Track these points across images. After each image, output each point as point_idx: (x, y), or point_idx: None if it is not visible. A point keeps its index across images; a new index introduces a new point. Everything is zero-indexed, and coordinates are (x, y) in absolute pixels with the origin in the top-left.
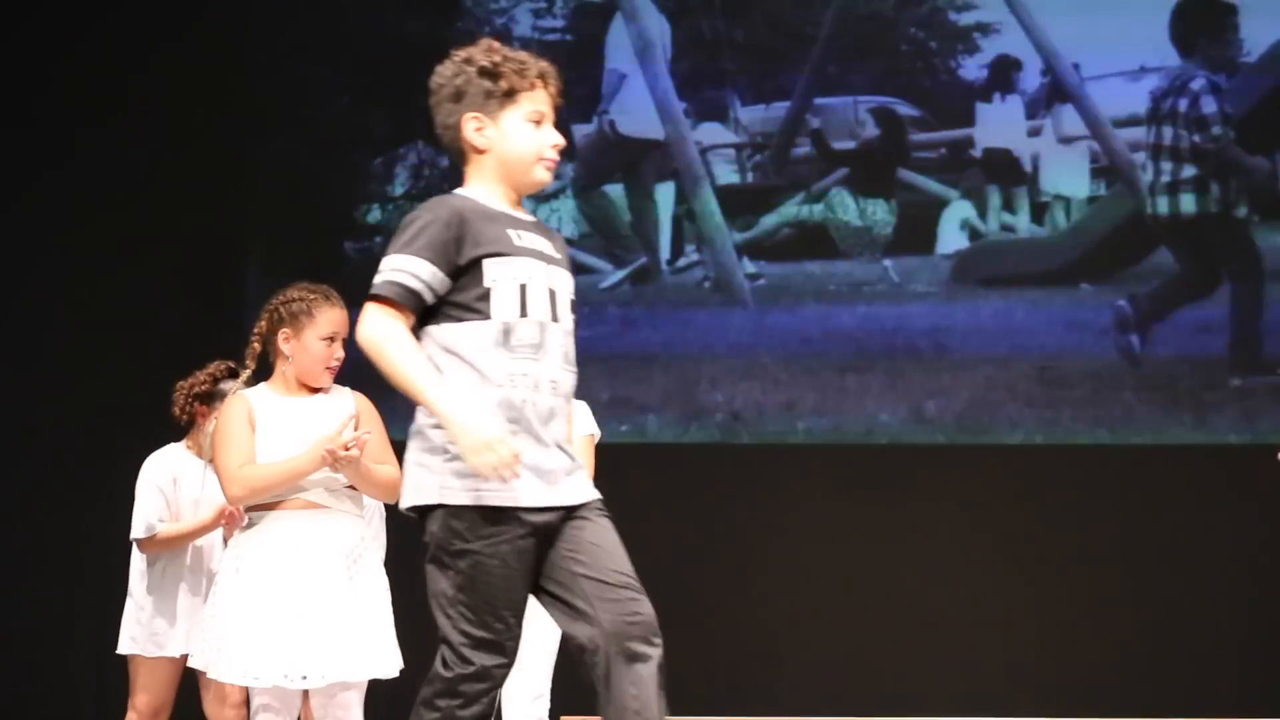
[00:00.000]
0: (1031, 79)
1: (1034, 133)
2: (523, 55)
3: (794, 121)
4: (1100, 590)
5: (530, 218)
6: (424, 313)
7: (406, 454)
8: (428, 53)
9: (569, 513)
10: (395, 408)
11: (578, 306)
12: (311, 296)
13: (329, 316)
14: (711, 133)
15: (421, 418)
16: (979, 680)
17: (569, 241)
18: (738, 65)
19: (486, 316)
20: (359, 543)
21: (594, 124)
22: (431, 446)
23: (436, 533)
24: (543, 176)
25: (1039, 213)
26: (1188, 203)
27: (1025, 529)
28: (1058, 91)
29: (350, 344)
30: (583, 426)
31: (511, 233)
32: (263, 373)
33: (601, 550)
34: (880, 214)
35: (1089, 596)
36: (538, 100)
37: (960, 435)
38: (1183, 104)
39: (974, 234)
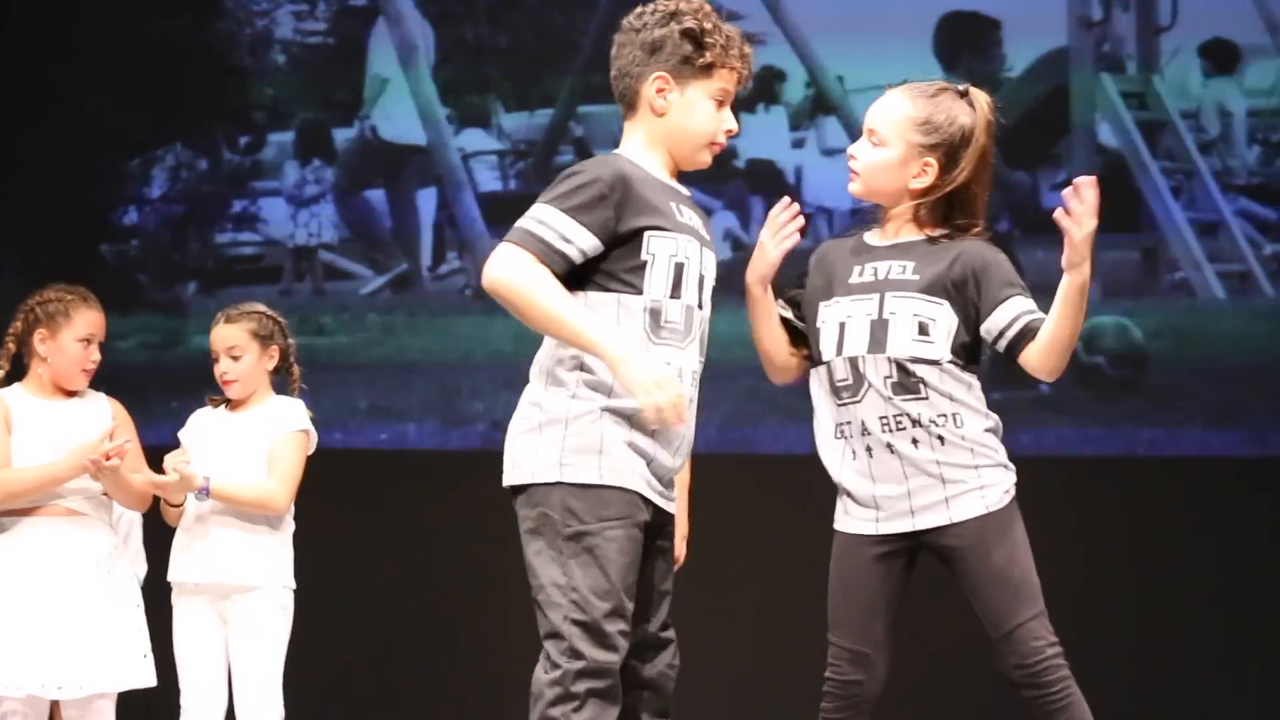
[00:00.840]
0: (796, 91)
1: (798, 144)
2: (730, 29)
3: (557, 129)
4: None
5: (688, 191)
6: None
7: (514, 426)
8: (187, 54)
9: (661, 527)
10: (151, 413)
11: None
12: (69, 298)
13: (86, 318)
14: (474, 139)
15: (540, 390)
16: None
17: (326, 247)
18: (501, 72)
19: (638, 291)
20: (112, 551)
21: (355, 129)
22: (551, 419)
23: (550, 514)
24: (706, 159)
25: (803, 227)
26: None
27: (784, 537)
28: (822, 104)
29: (105, 348)
30: (292, 422)
31: (674, 206)
32: (16, 374)
33: (657, 593)
34: None
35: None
36: (729, 81)
37: (721, 446)
38: None
39: (737, 245)
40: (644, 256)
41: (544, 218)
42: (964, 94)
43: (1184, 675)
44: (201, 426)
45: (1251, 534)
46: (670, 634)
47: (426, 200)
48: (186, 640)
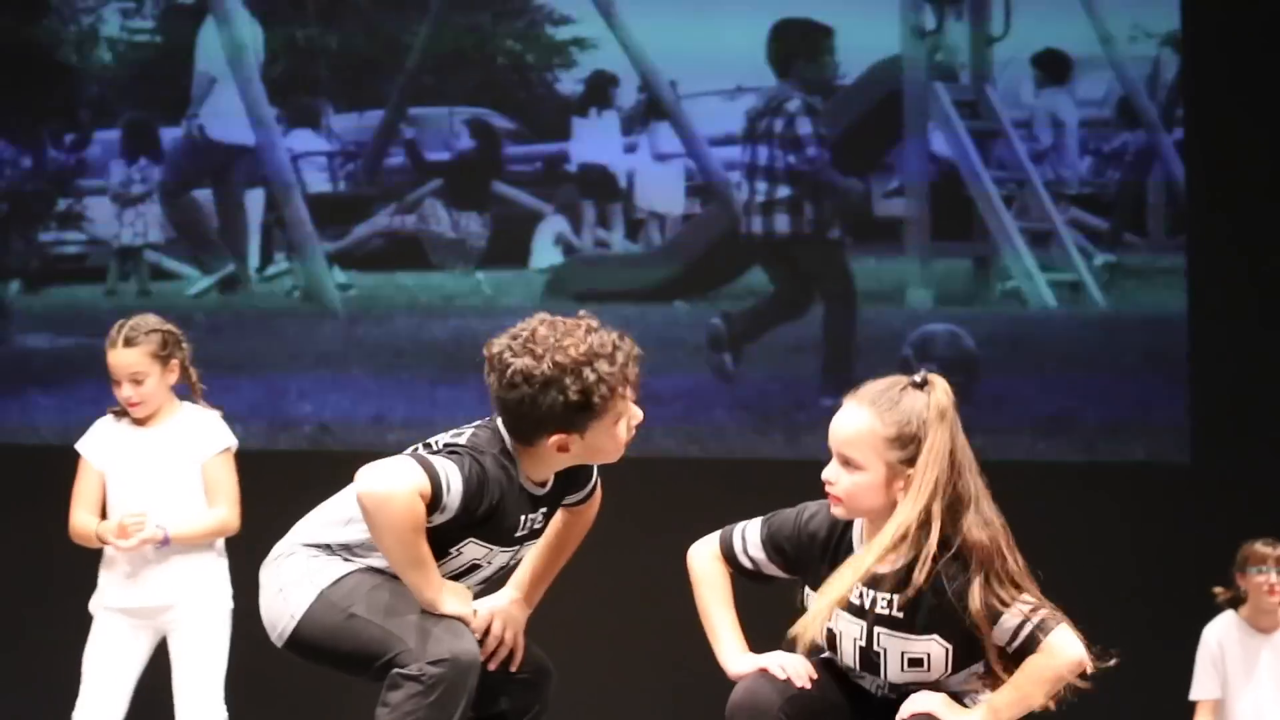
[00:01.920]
0: (628, 95)
1: (630, 149)
2: (614, 357)
3: (387, 130)
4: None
5: (545, 489)
6: None
7: (266, 597)
8: (11, 48)
9: None
10: None
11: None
12: None
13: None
14: (303, 139)
15: (293, 565)
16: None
17: (152, 247)
18: (331, 72)
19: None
20: None
21: (182, 128)
22: (297, 576)
23: (327, 614)
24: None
25: (634, 229)
26: (782, 223)
27: (623, 541)
28: (654, 108)
29: None
30: (218, 440)
31: (522, 519)
32: None
33: None
34: (474, 226)
35: (680, 608)
36: (626, 396)
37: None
38: (778, 124)
39: (568, 249)
40: (450, 550)
41: (445, 471)
42: (922, 385)
43: None
44: (110, 443)
45: (1079, 538)
46: None
47: (254, 201)
48: (100, 652)
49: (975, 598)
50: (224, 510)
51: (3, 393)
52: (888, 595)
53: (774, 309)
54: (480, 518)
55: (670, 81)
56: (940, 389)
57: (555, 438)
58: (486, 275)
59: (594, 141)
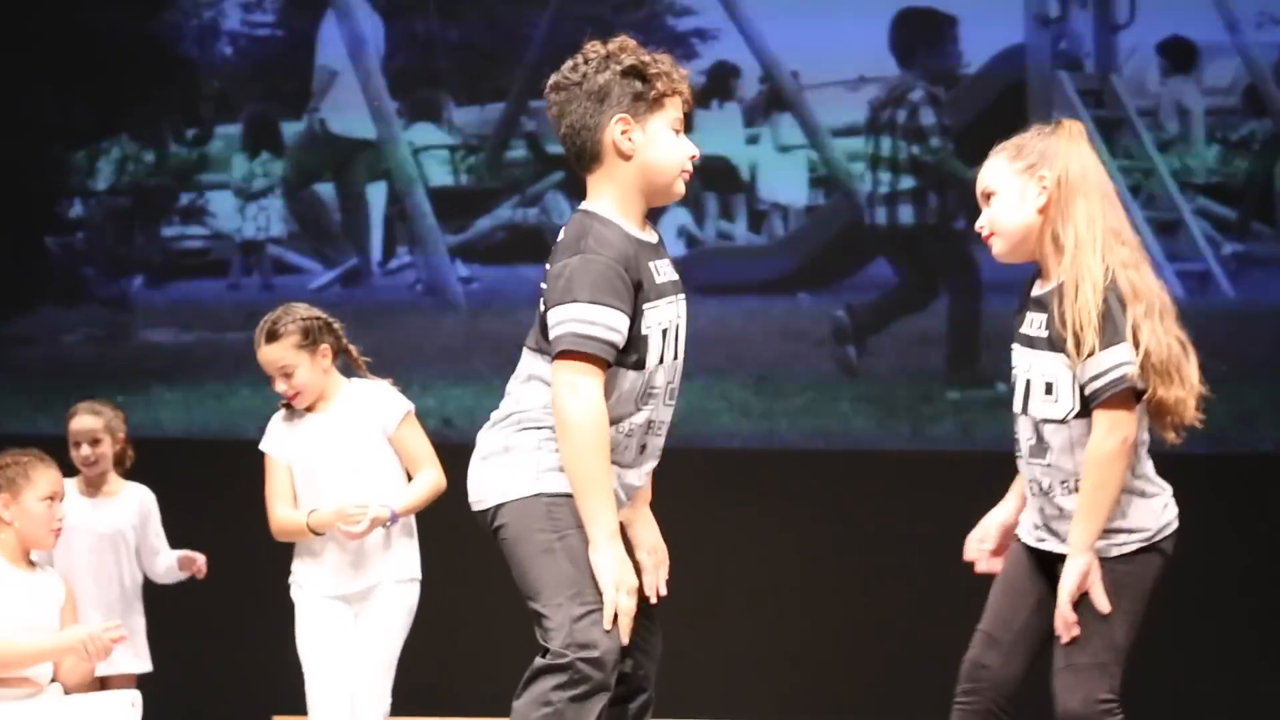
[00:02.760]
0: (750, 86)
1: (752, 140)
2: (664, 57)
3: (509, 123)
4: (814, 592)
5: (655, 238)
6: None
7: (482, 459)
8: (133, 43)
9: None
10: None
11: None
12: (25, 459)
13: (47, 477)
14: (424, 133)
15: (509, 434)
16: (689, 680)
17: (275, 241)
18: (452, 65)
19: (640, 367)
20: None
21: (304, 122)
22: (520, 451)
23: (533, 521)
24: (681, 190)
25: (757, 221)
26: (906, 214)
27: (744, 531)
28: (776, 100)
29: (50, 339)
30: (397, 408)
31: (653, 267)
32: None
33: None
34: None
35: (804, 598)
36: (679, 107)
37: (674, 444)
38: (901, 115)
39: (691, 241)
40: (643, 331)
41: (586, 316)
42: (1055, 125)
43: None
44: (294, 436)
45: (1207, 530)
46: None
47: (376, 194)
48: (312, 635)
49: (1071, 316)
50: (432, 472)
51: (127, 387)
52: (1037, 315)
53: (898, 301)
54: (631, 278)
55: (792, 72)
56: (1070, 123)
57: (617, 124)
58: None
59: (716, 133)
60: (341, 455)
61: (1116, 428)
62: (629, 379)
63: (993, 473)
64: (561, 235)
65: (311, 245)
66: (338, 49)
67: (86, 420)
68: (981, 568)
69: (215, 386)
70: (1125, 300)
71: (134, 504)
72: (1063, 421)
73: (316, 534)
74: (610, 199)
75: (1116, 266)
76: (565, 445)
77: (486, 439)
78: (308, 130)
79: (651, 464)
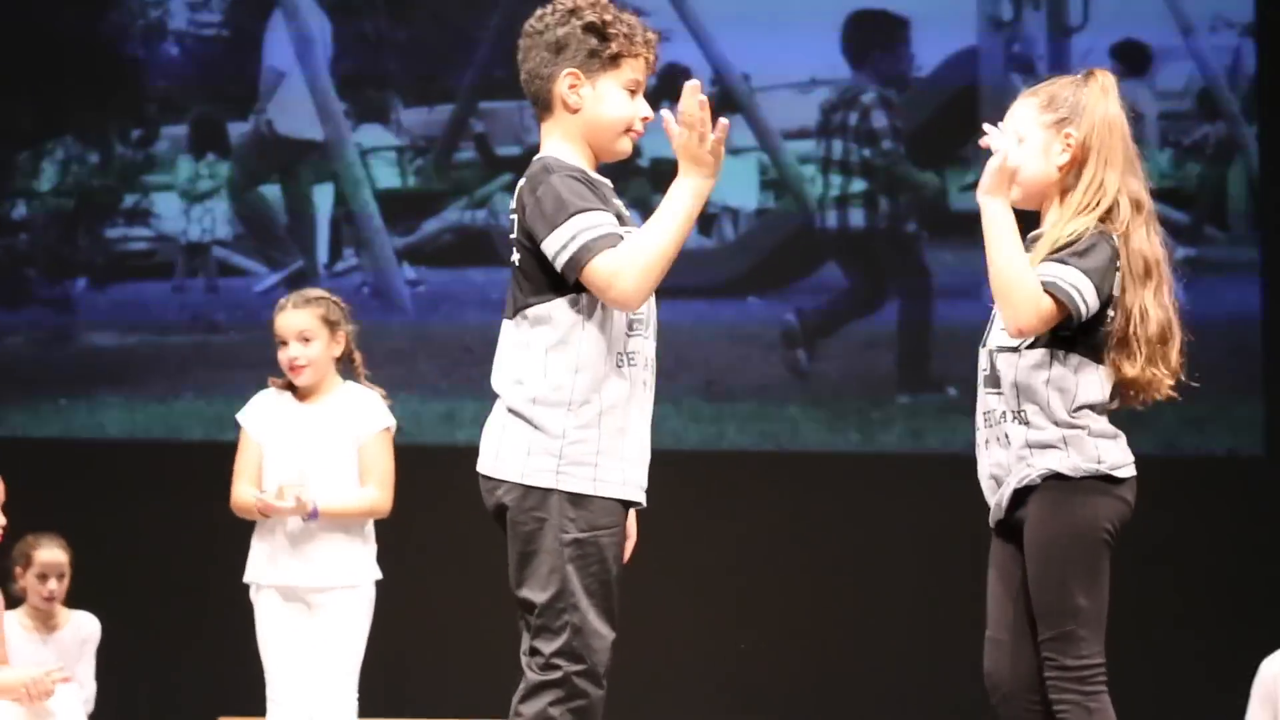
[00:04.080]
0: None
1: None
2: (630, 18)
3: (457, 125)
4: (762, 594)
5: (610, 184)
6: (552, 282)
7: (507, 425)
8: (78, 43)
9: None
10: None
11: None
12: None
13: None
14: (372, 134)
15: (531, 405)
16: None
17: (220, 244)
18: (400, 66)
19: None
20: None
21: (250, 123)
22: (544, 424)
23: (547, 519)
24: (626, 148)
25: (706, 224)
26: (857, 217)
27: (692, 535)
28: (727, 102)
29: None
30: (378, 420)
31: (615, 200)
32: None
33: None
34: None
35: (752, 601)
36: (638, 69)
37: None
38: (853, 118)
39: None
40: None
41: (586, 224)
42: (1085, 75)
43: None
44: (270, 415)
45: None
46: None
47: (323, 196)
48: (272, 634)
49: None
50: (375, 492)
51: (70, 390)
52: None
53: (848, 304)
54: (611, 205)
55: (743, 74)
56: (1102, 75)
57: (566, 79)
58: None
59: (665, 136)
60: (313, 450)
61: (1029, 303)
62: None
63: (943, 476)
64: (523, 182)
65: (257, 247)
66: (285, 50)
67: (56, 553)
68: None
69: (159, 389)
70: (1118, 254)
71: (79, 638)
72: (1015, 350)
73: (263, 515)
74: (559, 145)
75: (1129, 228)
76: (647, 288)
77: (512, 401)
78: (254, 131)
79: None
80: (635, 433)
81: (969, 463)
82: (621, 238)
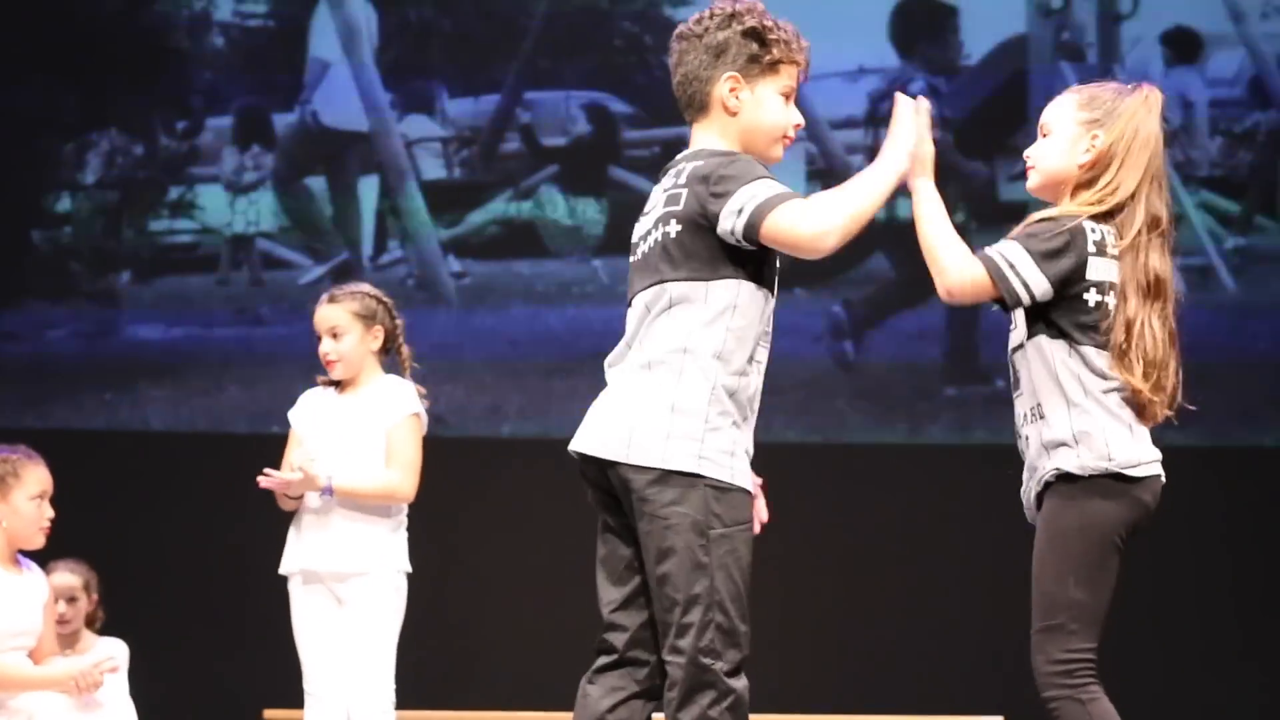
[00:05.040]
0: None
1: None
2: (788, 25)
3: (503, 116)
4: (808, 587)
5: None
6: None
7: (640, 407)
8: (123, 34)
9: None
10: (84, 405)
11: None
12: (14, 458)
13: (36, 475)
14: (418, 125)
15: (672, 376)
16: None
17: (265, 236)
18: (446, 56)
19: (770, 289)
20: None
21: (295, 114)
22: (685, 408)
23: (692, 514)
24: (779, 153)
25: None
26: (905, 208)
27: None
28: None
29: (37, 336)
30: (405, 406)
31: None
32: None
33: None
34: (591, 213)
35: (801, 593)
36: (793, 76)
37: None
38: None
39: None
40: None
41: (770, 188)
42: (1134, 86)
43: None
44: (312, 408)
45: (1206, 524)
46: None
47: (368, 188)
48: (306, 625)
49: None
50: (396, 475)
51: (114, 383)
52: None
53: (896, 296)
54: None
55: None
56: (1150, 91)
57: (726, 82)
58: (603, 263)
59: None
60: (346, 437)
61: (954, 268)
62: (765, 301)
63: (990, 468)
64: (697, 162)
65: (302, 239)
66: (330, 40)
67: (67, 577)
68: None
69: (203, 383)
70: (1084, 243)
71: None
72: (1021, 348)
73: (286, 497)
74: (714, 147)
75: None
76: (851, 233)
77: (639, 382)
78: (299, 123)
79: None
80: (750, 430)
81: (1015, 454)
82: (775, 194)
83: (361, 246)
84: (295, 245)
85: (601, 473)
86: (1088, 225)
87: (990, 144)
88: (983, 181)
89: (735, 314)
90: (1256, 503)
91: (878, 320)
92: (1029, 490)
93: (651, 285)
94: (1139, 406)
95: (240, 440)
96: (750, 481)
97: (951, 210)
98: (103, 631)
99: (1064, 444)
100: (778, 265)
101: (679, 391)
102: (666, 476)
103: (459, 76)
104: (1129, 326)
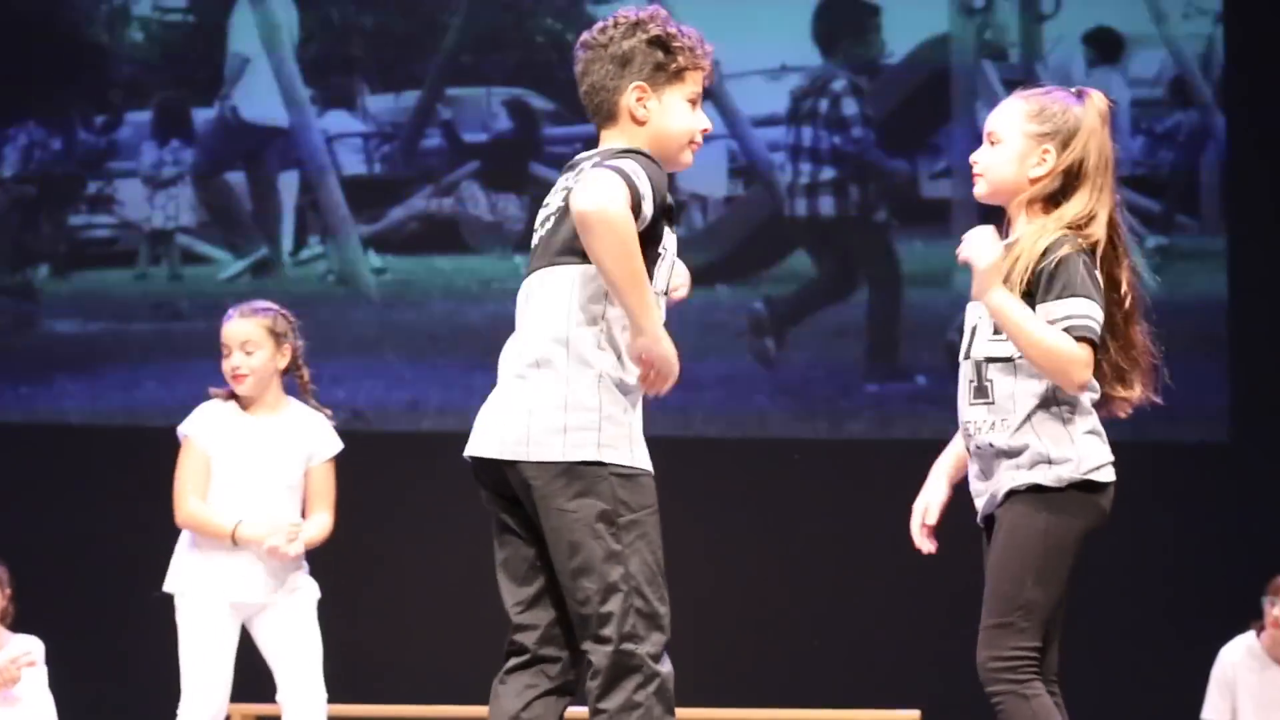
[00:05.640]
0: None
1: None
2: (691, 31)
3: (424, 111)
4: (729, 583)
5: None
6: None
7: (533, 404)
8: (41, 28)
9: None
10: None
11: None
12: None
13: None
14: (338, 121)
15: (560, 369)
16: None
17: (184, 231)
18: (367, 52)
19: (649, 276)
20: None
21: (215, 109)
22: (577, 400)
23: (599, 503)
24: (688, 159)
25: (675, 212)
26: (826, 205)
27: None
28: None
29: None
30: (331, 445)
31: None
32: None
33: None
34: (511, 209)
35: (721, 589)
36: (699, 81)
37: None
38: (823, 104)
39: None
40: (660, 249)
41: (632, 169)
42: (1079, 94)
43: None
44: (220, 427)
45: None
46: None
47: (288, 183)
48: (199, 644)
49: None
50: (327, 517)
51: (31, 377)
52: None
53: (817, 293)
54: (666, 199)
55: (713, 60)
56: (1099, 100)
57: (633, 92)
58: (524, 259)
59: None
60: (271, 465)
61: (1075, 361)
62: (658, 280)
63: (911, 464)
64: (593, 158)
65: (221, 235)
66: (251, 35)
67: None
68: (925, 548)
69: (120, 377)
70: (1093, 269)
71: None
72: (1009, 360)
73: (236, 543)
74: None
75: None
76: (608, 238)
77: (529, 380)
78: (219, 118)
79: None
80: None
81: (937, 451)
82: (638, 202)
83: (281, 242)
84: (214, 240)
85: (500, 475)
86: (1084, 257)
87: (912, 142)
88: (905, 179)
89: (615, 300)
90: (1174, 498)
91: (799, 317)
92: (990, 494)
93: (535, 271)
94: (1114, 402)
95: (157, 434)
96: (650, 463)
97: (873, 208)
98: (15, 628)
99: (1038, 460)
100: (662, 250)
101: (570, 385)
102: (570, 470)
103: (380, 72)
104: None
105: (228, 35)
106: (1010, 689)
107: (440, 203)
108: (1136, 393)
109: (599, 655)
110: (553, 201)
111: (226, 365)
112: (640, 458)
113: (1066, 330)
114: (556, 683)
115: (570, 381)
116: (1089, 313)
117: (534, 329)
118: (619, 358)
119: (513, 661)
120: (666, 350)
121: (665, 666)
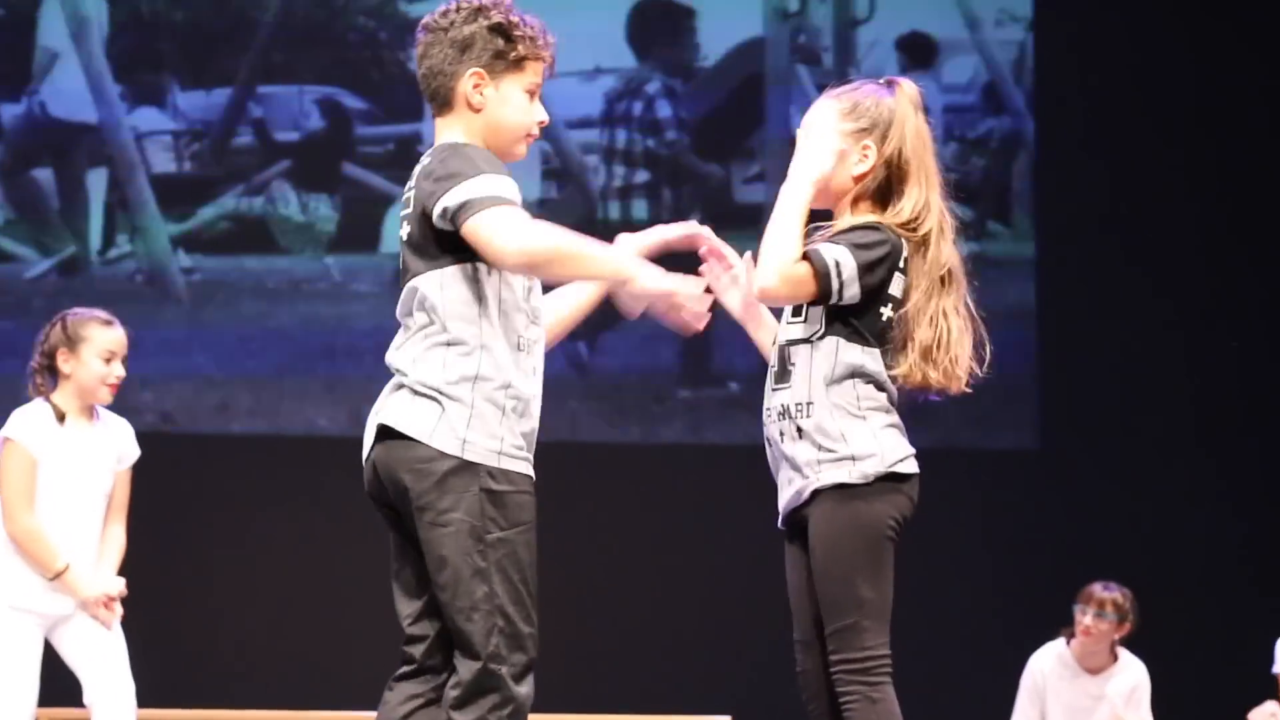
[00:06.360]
0: None
1: None
2: (534, 20)
3: (235, 109)
4: (545, 585)
5: None
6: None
7: (408, 405)
8: None
9: None
10: None
11: None
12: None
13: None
14: (148, 118)
15: (436, 377)
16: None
17: None
18: (178, 49)
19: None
20: None
21: (23, 105)
22: (459, 412)
23: (468, 519)
24: (523, 151)
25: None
26: (640, 209)
27: None
28: None
29: None
30: (134, 452)
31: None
32: None
33: None
34: (323, 209)
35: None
36: (539, 73)
37: None
38: (637, 107)
39: None
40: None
41: (490, 186)
42: (888, 84)
43: None
44: (50, 436)
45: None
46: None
47: (97, 181)
48: (15, 657)
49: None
50: (121, 531)
51: None
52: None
53: None
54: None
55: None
56: (908, 88)
57: (470, 78)
58: (336, 260)
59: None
60: (96, 475)
61: (784, 265)
62: (518, 286)
63: (723, 469)
64: (426, 159)
65: (28, 232)
66: (59, 30)
67: None
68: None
69: None
70: (899, 255)
71: None
72: (808, 341)
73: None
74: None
75: (930, 237)
76: (555, 266)
77: (405, 388)
78: (26, 113)
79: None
80: (533, 417)
81: (749, 455)
82: (517, 205)
83: (89, 240)
84: (21, 238)
85: (382, 487)
86: (902, 245)
87: (726, 146)
88: (718, 183)
89: (484, 303)
90: (984, 505)
91: (611, 323)
92: (792, 492)
93: (407, 282)
94: (917, 387)
95: None
96: (531, 476)
97: (687, 212)
98: None
99: (841, 456)
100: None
101: (444, 392)
102: (443, 482)
103: (190, 69)
104: (924, 322)
105: (36, 29)
106: (861, 691)
107: (251, 202)
108: (940, 373)
109: (464, 667)
110: (402, 207)
111: (104, 371)
112: (517, 469)
113: (808, 251)
114: (440, 693)
115: (447, 388)
116: (839, 258)
117: (412, 334)
118: (501, 361)
119: (402, 670)
120: (661, 280)
121: (525, 689)
